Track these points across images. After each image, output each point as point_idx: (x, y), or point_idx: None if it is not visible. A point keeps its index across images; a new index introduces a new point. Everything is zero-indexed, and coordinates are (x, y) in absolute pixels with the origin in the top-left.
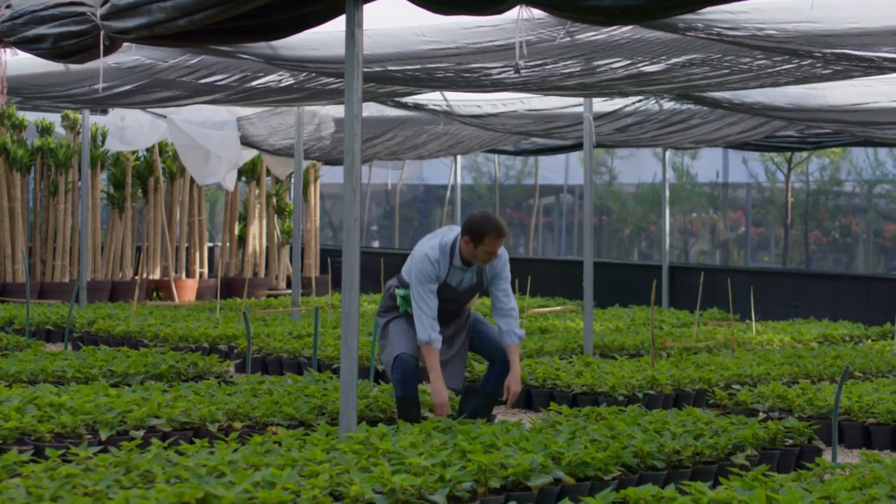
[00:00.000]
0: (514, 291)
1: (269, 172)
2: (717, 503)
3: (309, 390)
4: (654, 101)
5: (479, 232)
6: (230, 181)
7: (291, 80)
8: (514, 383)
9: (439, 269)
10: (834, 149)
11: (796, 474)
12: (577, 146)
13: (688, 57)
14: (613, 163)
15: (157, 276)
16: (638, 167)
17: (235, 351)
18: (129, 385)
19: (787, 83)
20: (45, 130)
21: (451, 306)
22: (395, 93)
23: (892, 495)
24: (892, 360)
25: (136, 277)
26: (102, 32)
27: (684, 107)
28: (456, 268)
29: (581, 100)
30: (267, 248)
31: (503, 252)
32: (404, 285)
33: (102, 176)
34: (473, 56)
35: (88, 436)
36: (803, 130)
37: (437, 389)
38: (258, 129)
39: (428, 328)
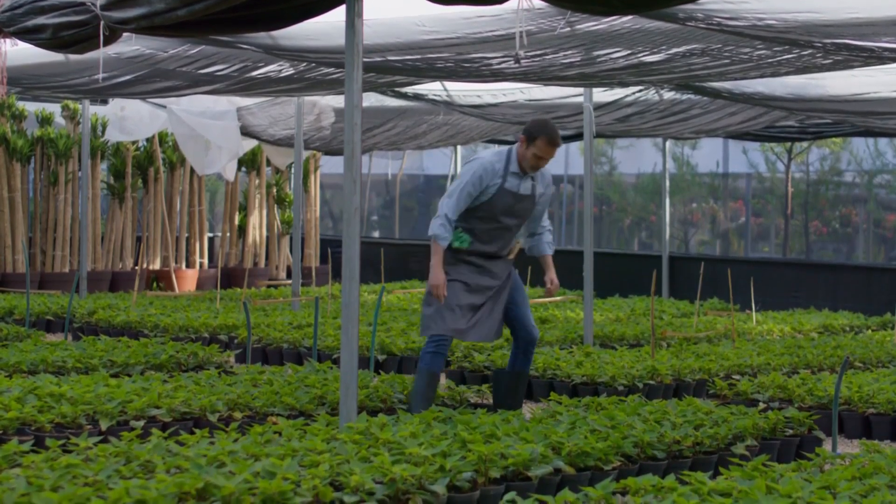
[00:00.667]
0: None
1: (269, 162)
2: (718, 493)
3: (309, 380)
4: (654, 91)
5: (534, 133)
6: (230, 171)
7: (291, 71)
8: (553, 280)
9: (493, 173)
10: (834, 139)
11: (796, 464)
12: (578, 136)
13: (688, 47)
14: (613, 153)
15: (157, 266)
16: (638, 157)
17: (235, 341)
18: (130, 375)
19: (787, 73)
20: (45, 120)
21: (508, 221)
22: (395, 83)
23: (892, 485)
24: (892, 351)
25: (137, 267)
26: (102, 22)
27: (684, 97)
28: (513, 173)
29: (581, 90)
30: (267, 238)
31: (550, 172)
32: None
33: (102, 166)
34: (474, 46)
35: (89, 426)
36: (803, 120)
37: (435, 274)
38: (258, 119)
39: (439, 226)
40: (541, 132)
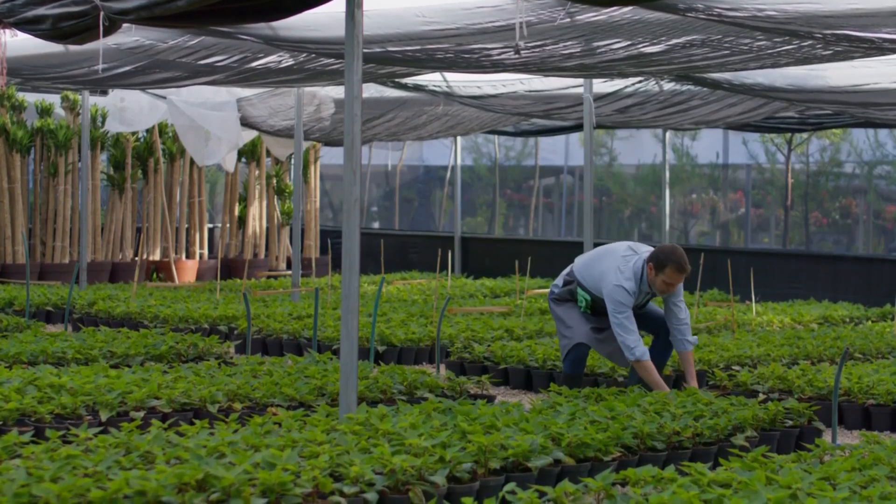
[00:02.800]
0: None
1: (268, 153)
2: (717, 484)
3: (309, 371)
4: (654, 82)
5: (664, 261)
6: (230, 162)
7: (291, 61)
8: (691, 379)
9: (636, 297)
10: (834, 130)
11: (796, 455)
12: (577, 127)
13: (688, 38)
14: (613, 144)
15: (157, 257)
16: (638, 148)
17: (235, 332)
18: (129, 366)
19: (787, 64)
20: (44, 111)
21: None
22: (394, 74)
23: (891, 476)
24: (892, 342)
25: (136, 258)
26: (102, 13)
27: (684, 88)
28: (643, 292)
29: (581, 81)
30: (267, 229)
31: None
32: (585, 289)
33: (102, 157)
34: (473, 37)
35: (88, 417)
36: (803, 111)
37: (663, 389)
38: (258, 110)
39: (633, 348)
40: (669, 261)
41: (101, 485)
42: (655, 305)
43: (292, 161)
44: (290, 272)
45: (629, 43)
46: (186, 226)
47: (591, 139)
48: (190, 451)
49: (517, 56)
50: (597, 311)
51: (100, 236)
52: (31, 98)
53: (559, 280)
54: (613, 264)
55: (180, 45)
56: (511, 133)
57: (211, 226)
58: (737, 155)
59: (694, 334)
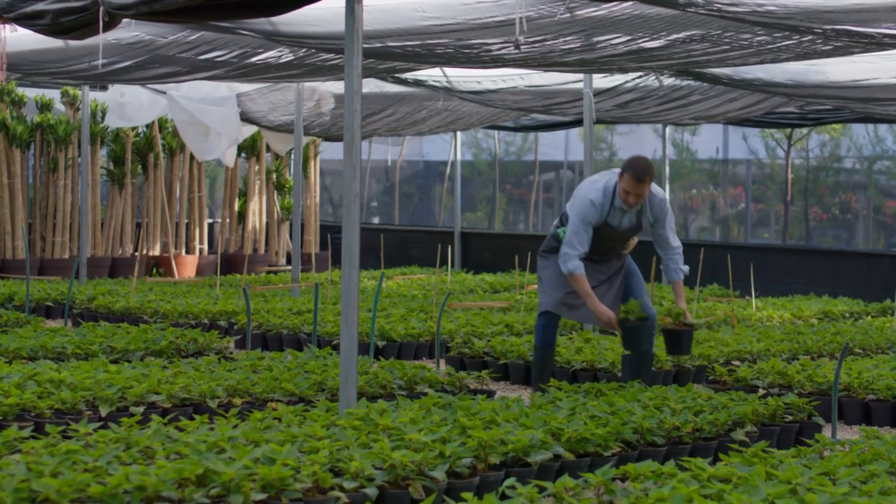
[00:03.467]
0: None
1: (268, 148)
2: (717, 479)
3: (309, 366)
4: (654, 78)
5: (624, 168)
6: (230, 157)
7: (291, 56)
8: (681, 301)
9: (601, 211)
10: (834, 125)
11: (796, 450)
12: (578, 122)
13: (688, 33)
14: (613, 139)
15: (156, 252)
16: (638, 143)
17: (235, 327)
18: (129, 361)
19: (787, 59)
20: (44, 107)
21: (610, 243)
22: (394, 69)
23: (891, 471)
24: (891, 337)
25: (136, 253)
26: (102, 8)
27: (684, 83)
28: (616, 208)
29: (581, 76)
30: (267, 224)
31: (662, 197)
32: (565, 223)
33: (102, 152)
34: (473, 32)
35: (88, 412)
36: (803, 107)
37: (599, 311)
38: (258, 105)
39: (570, 260)
40: (628, 168)
41: (101, 480)
42: (642, 284)
43: (292, 156)
44: (289, 267)
45: (629, 38)
46: (186, 221)
47: (590, 134)
48: (190, 447)
49: (517, 51)
50: (591, 252)
51: (100, 231)
52: (30, 93)
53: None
54: (589, 186)
55: (180, 40)
56: (511, 128)
57: (211, 221)
58: (737, 150)
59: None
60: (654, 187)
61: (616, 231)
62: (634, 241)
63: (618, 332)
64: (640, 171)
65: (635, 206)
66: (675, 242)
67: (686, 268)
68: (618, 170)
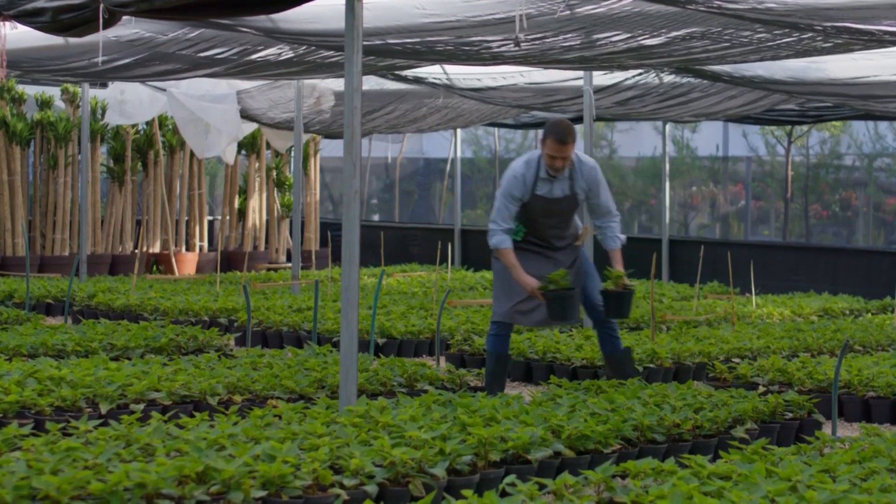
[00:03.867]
0: None
1: (268, 146)
2: (717, 476)
3: (309, 364)
4: (654, 75)
5: (545, 133)
6: (230, 154)
7: (291, 54)
8: (617, 265)
9: (525, 183)
10: (834, 122)
11: (796, 447)
12: (577, 119)
13: (688, 30)
14: (613, 136)
15: (156, 249)
16: (638, 141)
17: (235, 324)
18: (130, 358)
19: (787, 56)
20: (44, 104)
21: (550, 220)
22: (394, 66)
23: (891, 469)
24: (891, 334)
25: (136, 251)
26: (101, 5)
27: (684, 80)
28: (542, 178)
29: (581, 73)
30: (267, 221)
31: (592, 164)
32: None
33: (102, 149)
34: (473, 29)
35: (88, 409)
36: (803, 104)
37: (524, 280)
38: (258, 103)
39: (495, 235)
40: (549, 132)
41: (101, 477)
42: (595, 282)
43: (292, 153)
44: (289, 264)
45: (629, 35)
46: (186, 218)
47: (591, 131)
48: (190, 444)
49: (517, 48)
50: (534, 235)
51: (100, 229)
52: (30, 90)
53: None
54: (517, 161)
55: (180, 37)
56: (511, 125)
57: (211, 218)
58: (737, 147)
59: (694, 326)
60: (584, 156)
61: (549, 202)
62: (587, 230)
63: (540, 296)
64: (561, 132)
65: (562, 170)
66: (614, 210)
67: (623, 237)
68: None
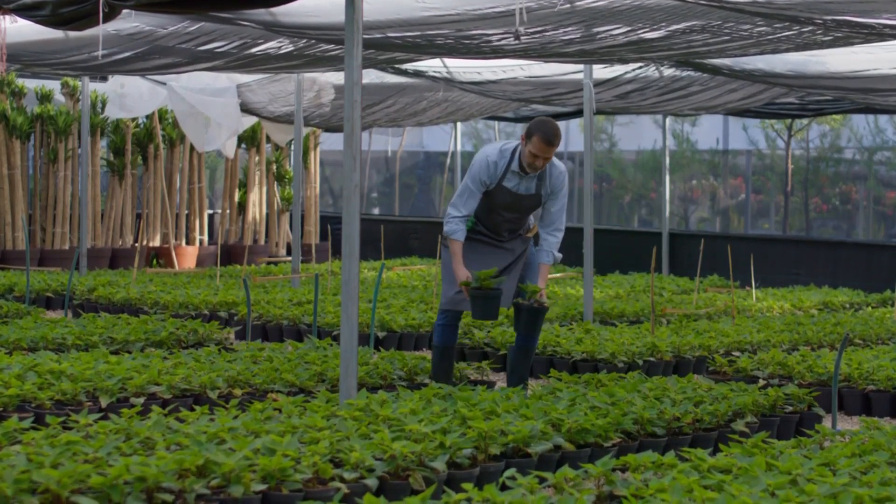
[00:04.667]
0: None
1: (268, 139)
2: (717, 470)
3: (309, 357)
4: (654, 68)
5: (532, 130)
6: (230, 148)
7: (291, 47)
8: (541, 281)
9: (495, 170)
10: (834, 116)
11: (796, 441)
12: (577, 113)
13: (688, 23)
14: (613, 130)
15: (157, 243)
16: (638, 134)
17: (235, 318)
18: (130, 352)
19: (787, 50)
20: (44, 97)
21: (509, 215)
22: (394, 59)
23: (891, 462)
24: (892, 328)
25: (136, 245)
26: None
27: (684, 73)
28: (513, 172)
29: (581, 66)
30: (267, 215)
31: (563, 170)
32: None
33: (102, 143)
34: (473, 23)
35: (89, 403)
36: (804, 97)
37: (457, 272)
38: (258, 96)
39: (452, 223)
40: (537, 130)
41: (101, 471)
42: (535, 274)
43: (292, 147)
44: (290, 258)
45: (629, 29)
46: (186, 212)
47: (591, 125)
48: (190, 437)
49: (517, 42)
50: (488, 227)
51: (100, 222)
52: (30, 84)
53: None
54: (489, 146)
55: (180, 30)
56: (511, 119)
57: (211, 212)
58: (737, 141)
59: (694, 320)
60: (557, 160)
61: (513, 196)
62: (535, 228)
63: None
64: (550, 133)
65: (540, 169)
66: (562, 225)
67: (559, 255)
68: (517, 141)
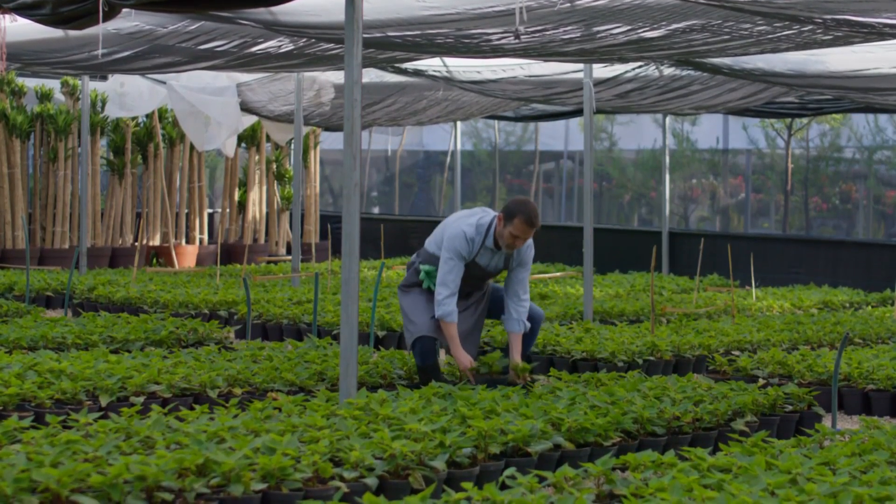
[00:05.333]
0: None
1: (268, 138)
2: (717, 469)
3: (309, 356)
4: (654, 67)
5: (513, 212)
6: (230, 147)
7: (291, 46)
8: (516, 355)
9: (473, 247)
10: (834, 115)
11: (796, 440)
12: (578, 112)
13: (688, 23)
14: (613, 129)
15: (156, 242)
16: (638, 133)
17: (235, 317)
18: (130, 351)
19: (787, 49)
20: (44, 97)
21: (475, 282)
22: (394, 59)
23: (891, 461)
24: (891, 327)
25: (136, 244)
26: None
27: (684, 73)
28: (487, 248)
29: (581, 66)
30: (267, 214)
31: (530, 244)
32: (427, 260)
33: (102, 142)
34: (473, 22)
35: (89, 402)
36: (803, 96)
37: (459, 357)
38: (258, 96)
39: (445, 305)
40: (519, 212)
41: (101, 470)
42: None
43: (292, 146)
44: (289, 257)
45: (629, 28)
46: (186, 211)
47: (591, 124)
48: (190, 437)
49: (517, 41)
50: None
51: (100, 221)
52: (30, 83)
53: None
54: (461, 220)
55: (180, 29)
56: (511, 118)
57: (211, 211)
58: (737, 140)
59: (694, 319)
60: None
61: (483, 271)
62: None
63: (472, 379)
64: (532, 215)
65: (515, 248)
66: (527, 294)
67: (528, 324)
68: (486, 210)
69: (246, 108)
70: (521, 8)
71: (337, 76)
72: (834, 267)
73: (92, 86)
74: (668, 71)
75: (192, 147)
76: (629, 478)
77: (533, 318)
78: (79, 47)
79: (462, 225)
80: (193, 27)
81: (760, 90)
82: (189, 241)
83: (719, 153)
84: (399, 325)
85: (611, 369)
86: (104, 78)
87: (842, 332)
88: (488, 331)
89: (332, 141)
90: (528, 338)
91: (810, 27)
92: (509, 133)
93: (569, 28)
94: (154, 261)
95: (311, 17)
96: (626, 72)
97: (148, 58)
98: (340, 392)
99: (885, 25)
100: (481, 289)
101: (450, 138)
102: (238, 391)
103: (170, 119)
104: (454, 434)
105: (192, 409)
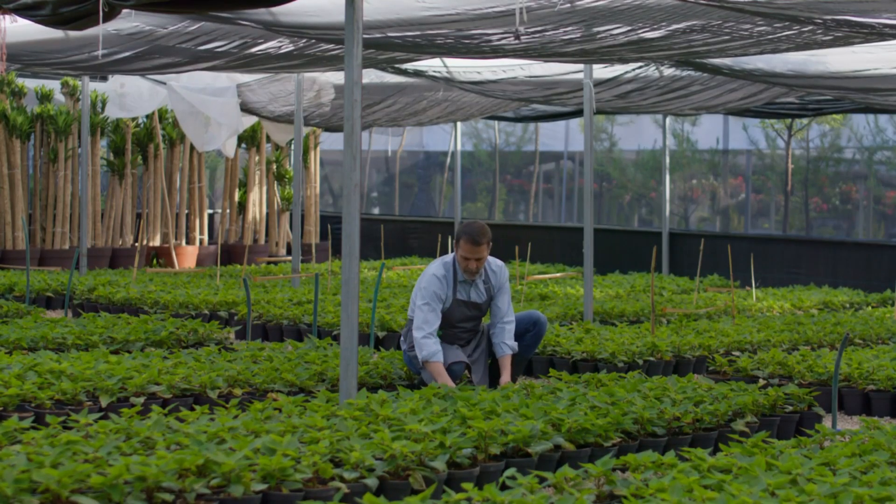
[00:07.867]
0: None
1: (268, 139)
2: (718, 469)
3: (309, 357)
4: (654, 68)
5: (458, 236)
6: (230, 148)
7: (291, 47)
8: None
9: (445, 284)
10: (834, 115)
11: (796, 441)
12: (578, 112)
13: (688, 23)
14: (613, 129)
15: (157, 242)
16: (638, 134)
17: (235, 318)
18: (130, 352)
19: (787, 49)
20: (44, 97)
21: (468, 325)
22: (394, 59)
23: (891, 462)
24: (892, 327)
25: (137, 244)
26: None
27: (685, 73)
28: (461, 282)
29: (581, 66)
30: (267, 214)
31: (501, 264)
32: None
33: (102, 143)
34: (473, 22)
35: (89, 402)
36: (804, 97)
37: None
38: (258, 96)
39: (428, 346)
40: (462, 233)
41: (101, 470)
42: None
43: (292, 146)
44: (290, 258)
45: (629, 28)
46: (186, 211)
47: (591, 124)
48: (190, 437)
49: (517, 41)
50: (448, 340)
51: (100, 222)
52: (30, 84)
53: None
54: (429, 269)
55: (180, 30)
56: (511, 118)
57: (211, 211)
58: (737, 140)
59: (694, 319)
60: (491, 258)
61: (469, 306)
62: None
63: None
64: (475, 233)
65: (477, 272)
66: (510, 316)
67: (515, 345)
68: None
69: (246, 108)
70: (521, 8)
71: (337, 77)
72: (834, 267)
73: (92, 86)
74: (668, 71)
75: (192, 148)
76: (629, 478)
77: (537, 324)
78: (79, 48)
79: (431, 270)
80: (193, 28)
81: (761, 91)
82: (189, 241)
83: (719, 153)
84: (399, 327)
85: (611, 370)
86: (104, 78)
87: (842, 333)
88: None
89: (332, 141)
90: (532, 343)
91: (810, 28)
92: (509, 133)
93: (569, 28)
94: (154, 261)
95: (311, 17)
96: (627, 72)
97: (148, 58)
98: (340, 393)
99: (885, 26)
100: (477, 331)
101: (450, 139)
102: (238, 392)
103: (170, 120)
104: (454, 435)
105: (192, 409)
